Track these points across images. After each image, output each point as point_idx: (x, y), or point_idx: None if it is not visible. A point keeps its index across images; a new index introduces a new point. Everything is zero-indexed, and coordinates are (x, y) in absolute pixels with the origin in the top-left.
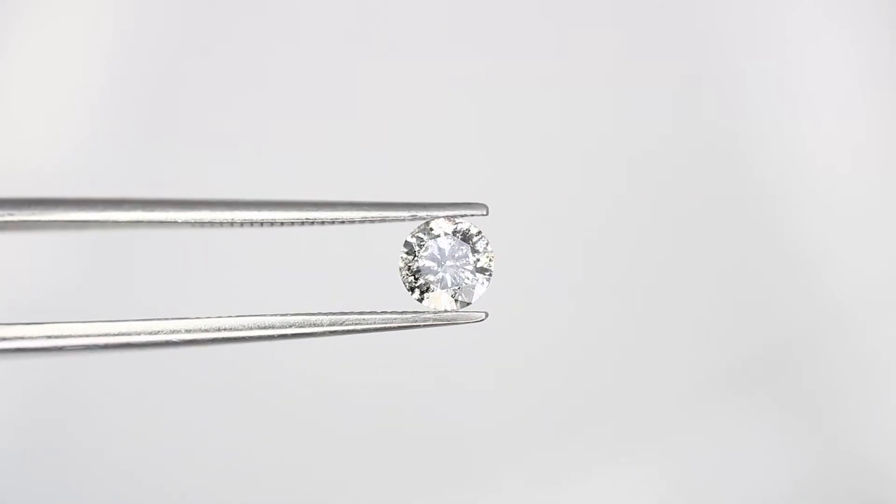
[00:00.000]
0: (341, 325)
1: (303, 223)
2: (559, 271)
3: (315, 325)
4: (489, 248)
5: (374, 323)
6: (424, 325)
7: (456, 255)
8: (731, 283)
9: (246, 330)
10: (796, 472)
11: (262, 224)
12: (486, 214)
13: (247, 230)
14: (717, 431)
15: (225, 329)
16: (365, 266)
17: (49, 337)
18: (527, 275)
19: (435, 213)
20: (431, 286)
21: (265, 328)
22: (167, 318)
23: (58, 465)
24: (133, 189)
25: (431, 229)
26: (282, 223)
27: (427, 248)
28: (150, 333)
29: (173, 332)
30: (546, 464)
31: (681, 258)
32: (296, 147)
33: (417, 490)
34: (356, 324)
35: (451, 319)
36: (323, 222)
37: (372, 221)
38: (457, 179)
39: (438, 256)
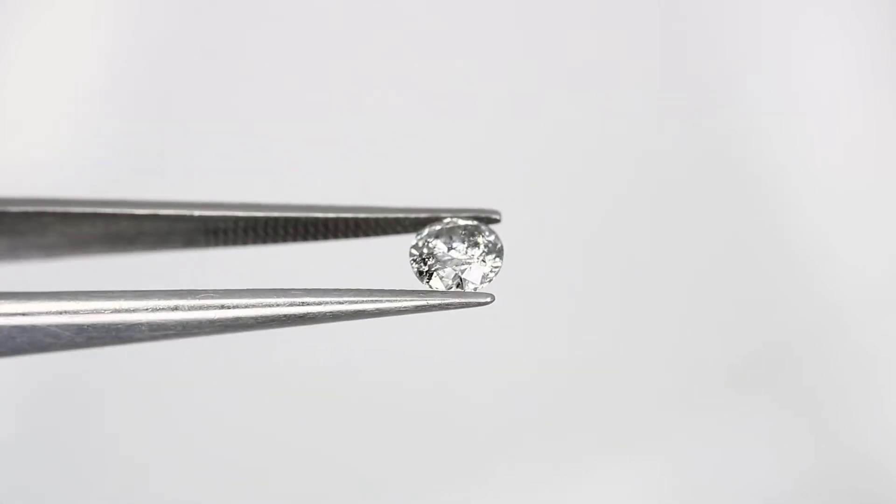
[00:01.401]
0: (349, 303)
1: (316, 233)
2: (560, 270)
3: (321, 303)
4: (499, 238)
5: (384, 300)
6: (432, 308)
7: (466, 243)
8: (731, 282)
9: (243, 309)
10: (797, 469)
11: (276, 227)
12: (499, 221)
13: (258, 248)
14: (717, 429)
15: (229, 308)
16: (372, 262)
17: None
18: (527, 273)
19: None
20: (440, 271)
21: (265, 306)
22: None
23: (58, 464)
24: (131, 190)
25: (443, 220)
26: (295, 225)
27: (438, 236)
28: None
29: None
30: (545, 462)
31: (681, 257)
32: (296, 146)
33: (416, 487)
34: (367, 302)
35: (459, 301)
36: (337, 228)
37: (385, 232)
38: (459, 180)
39: (448, 244)
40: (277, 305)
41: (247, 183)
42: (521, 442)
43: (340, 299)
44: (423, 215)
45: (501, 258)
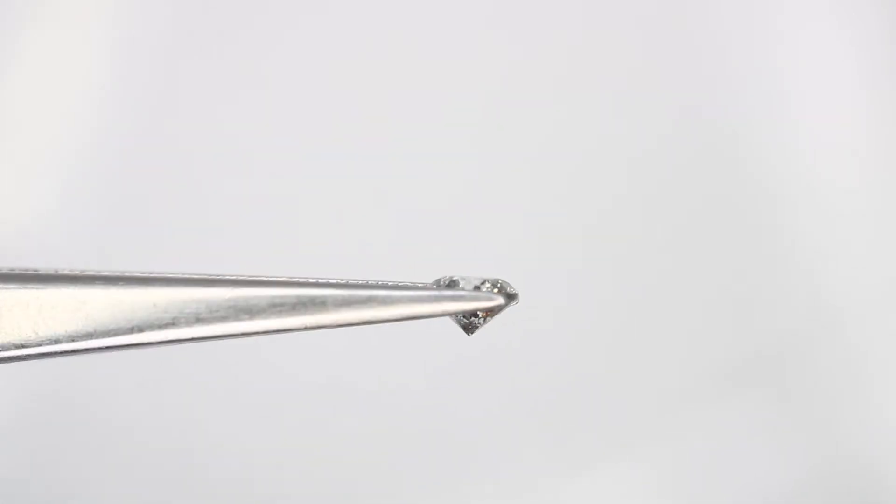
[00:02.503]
0: (366, 303)
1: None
2: (557, 271)
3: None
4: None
5: (403, 302)
6: (451, 311)
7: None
8: (729, 284)
9: (240, 314)
10: (795, 469)
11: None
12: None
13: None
14: (715, 431)
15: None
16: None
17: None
18: (525, 274)
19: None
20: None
21: (269, 308)
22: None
23: (58, 465)
24: (130, 194)
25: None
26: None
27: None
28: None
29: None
30: (545, 462)
31: (679, 258)
32: (297, 153)
33: (415, 487)
34: (384, 302)
35: (472, 306)
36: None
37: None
38: (458, 180)
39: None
40: (286, 304)
41: (243, 199)
42: (521, 442)
43: (354, 295)
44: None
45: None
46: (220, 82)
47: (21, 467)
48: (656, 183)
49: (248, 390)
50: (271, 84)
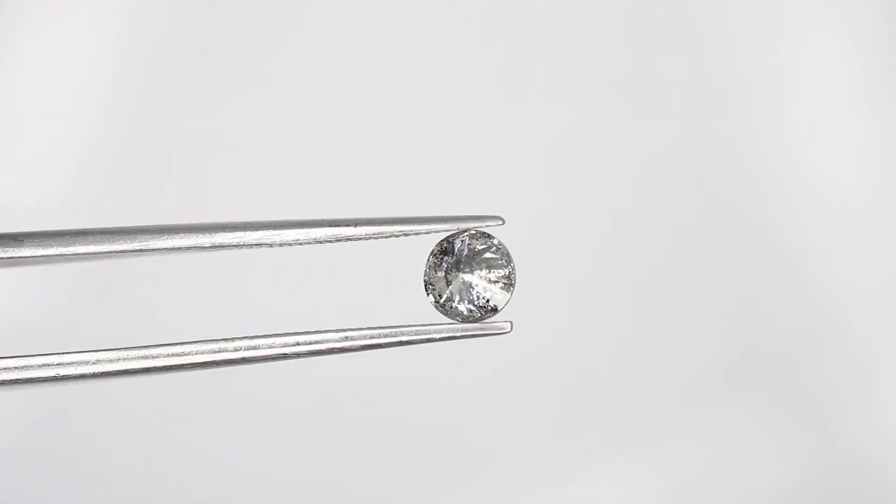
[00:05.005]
0: (372, 339)
1: (321, 242)
2: (558, 270)
3: (348, 340)
4: (513, 267)
5: (408, 335)
6: (449, 338)
7: (475, 270)
8: (728, 283)
9: (263, 350)
10: (794, 470)
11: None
12: (503, 224)
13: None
14: (714, 431)
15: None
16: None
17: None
18: (525, 274)
19: (449, 227)
20: (459, 305)
21: (291, 346)
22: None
23: (58, 466)
24: (131, 193)
25: (452, 241)
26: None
27: (451, 270)
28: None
29: (180, 354)
30: (541, 463)
31: (678, 258)
32: (298, 153)
33: (414, 487)
34: (388, 336)
35: (477, 330)
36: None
37: (383, 236)
38: (460, 182)
39: (462, 273)
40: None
41: (244, 190)
42: (521, 442)
43: (365, 334)
44: (422, 232)
45: (512, 288)
46: (221, 81)
47: (20, 487)
48: (656, 183)
49: (248, 391)
50: (271, 84)
